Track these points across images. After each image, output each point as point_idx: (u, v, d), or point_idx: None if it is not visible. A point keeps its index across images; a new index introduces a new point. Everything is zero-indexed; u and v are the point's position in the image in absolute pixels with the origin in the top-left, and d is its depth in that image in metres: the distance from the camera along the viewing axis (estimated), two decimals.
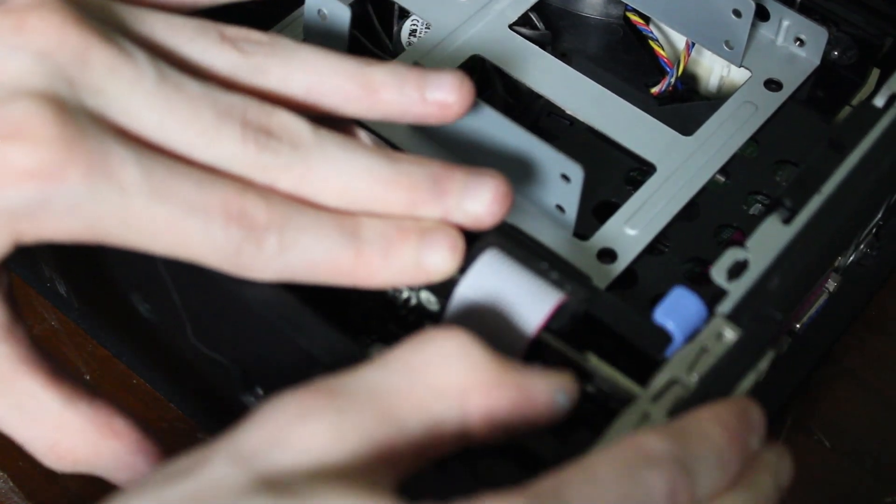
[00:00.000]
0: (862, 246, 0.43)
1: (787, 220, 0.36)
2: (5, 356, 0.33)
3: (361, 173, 0.33)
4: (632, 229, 0.40)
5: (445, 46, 0.44)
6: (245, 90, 0.34)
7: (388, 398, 0.28)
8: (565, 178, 0.37)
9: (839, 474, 0.42)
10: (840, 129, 0.39)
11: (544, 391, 0.30)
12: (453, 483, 0.30)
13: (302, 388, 0.29)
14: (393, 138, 0.40)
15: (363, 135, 0.37)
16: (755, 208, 0.42)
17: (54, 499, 0.42)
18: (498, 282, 0.33)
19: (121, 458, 0.34)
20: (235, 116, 0.33)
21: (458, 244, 0.33)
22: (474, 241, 0.34)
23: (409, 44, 0.45)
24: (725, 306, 0.34)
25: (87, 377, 0.45)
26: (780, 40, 0.45)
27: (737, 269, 0.35)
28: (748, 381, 0.33)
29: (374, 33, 0.46)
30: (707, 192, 0.41)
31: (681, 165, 0.41)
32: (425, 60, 0.43)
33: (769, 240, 0.36)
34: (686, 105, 0.46)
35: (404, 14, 0.46)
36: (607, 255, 0.39)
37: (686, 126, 0.42)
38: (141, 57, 0.32)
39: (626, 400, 0.32)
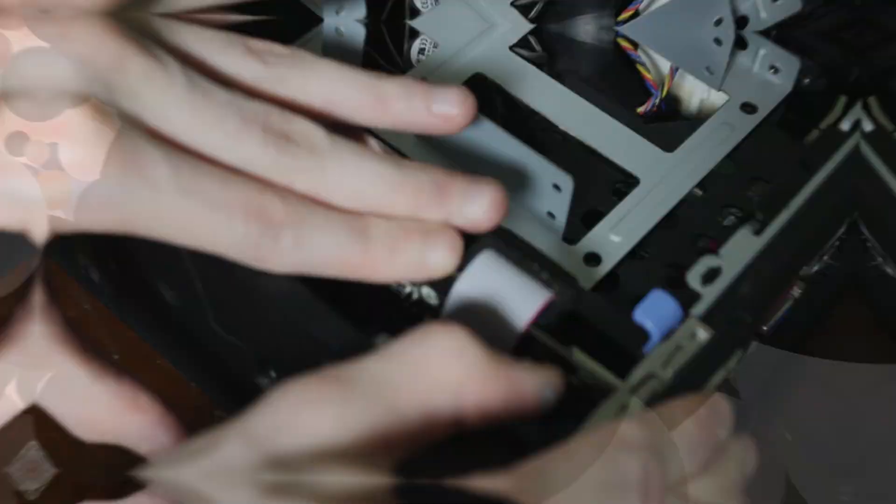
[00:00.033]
0: (826, 257, 0.43)
1: (757, 232, 0.36)
2: (42, 334, 0.33)
3: (371, 177, 0.33)
4: (616, 236, 0.40)
5: (451, 64, 0.44)
6: (267, 98, 0.34)
7: (389, 389, 0.29)
8: (556, 187, 0.37)
9: (799, 465, 0.42)
10: (808, 150, 0.39)
11: (533, 386, 0.30)
12: (446, 464, 0.30)
13: (311, 376, 0.29)
14: (401, 146, 0.40)
15: (373, 142, 0.37)
16: (729, 220, 0.42)
17: (82, 467, 0.42)
18: (492, 280, 0.33)
19: (144, 430, 0.34)
20: (258, 122, 0.33)
21: (458, 245, 0.33)
22: (472, 243, 0.34)
23: (418, 61, 0.45)
24: (699, 308, 0.34)
25: (116, 357, 0.45)
26: (756, 67, 0.45)
27: (710, 275, 0.35)
28: (718, 377, 0.33)
29: (386, 50, 0.46)
30: (685, 204, 0.41)
31: (662, 179, 0.41)
32: (432, 76, 0.44)
33: (741, 249, 0.36)
34: (669, 124, 0.46)
35: (414, 34, 0.46)
36: (593, 259, 0.39)
37: (668, 143, 0.42)
38: (173, 66, 0.32)
39: (606, 391, 0.32)
